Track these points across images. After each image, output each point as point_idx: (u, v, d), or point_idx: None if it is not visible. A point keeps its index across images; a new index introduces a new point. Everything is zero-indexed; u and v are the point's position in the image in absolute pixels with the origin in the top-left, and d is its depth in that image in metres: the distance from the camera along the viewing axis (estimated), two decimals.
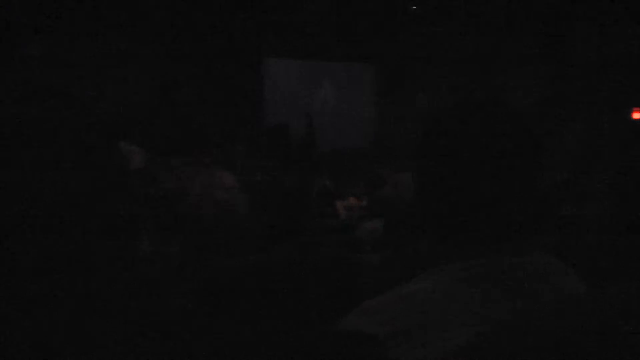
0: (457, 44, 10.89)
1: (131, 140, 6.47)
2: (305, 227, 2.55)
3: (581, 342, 0.79)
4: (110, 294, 1.17)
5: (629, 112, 9.38)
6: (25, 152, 1.03)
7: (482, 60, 10.76)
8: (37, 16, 7.40)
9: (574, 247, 2.06)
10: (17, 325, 0.97)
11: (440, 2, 10.57)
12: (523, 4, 9.64)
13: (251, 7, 9.51)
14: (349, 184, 5.78)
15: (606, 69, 9.31)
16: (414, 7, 11.02)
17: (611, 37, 9.38)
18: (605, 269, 1.84)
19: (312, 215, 2.47)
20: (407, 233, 2.54)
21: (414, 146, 1.16)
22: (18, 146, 0.99)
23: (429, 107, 10.61)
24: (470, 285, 1.03)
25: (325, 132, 10.68)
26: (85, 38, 8.05)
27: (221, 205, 2.20)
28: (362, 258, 2.55)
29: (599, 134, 9.20)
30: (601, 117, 9.39)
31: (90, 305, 1.11)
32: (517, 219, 1.06)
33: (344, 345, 1.01)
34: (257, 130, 10.16)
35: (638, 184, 1.87)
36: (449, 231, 1.09)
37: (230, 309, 1.92)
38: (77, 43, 7.96)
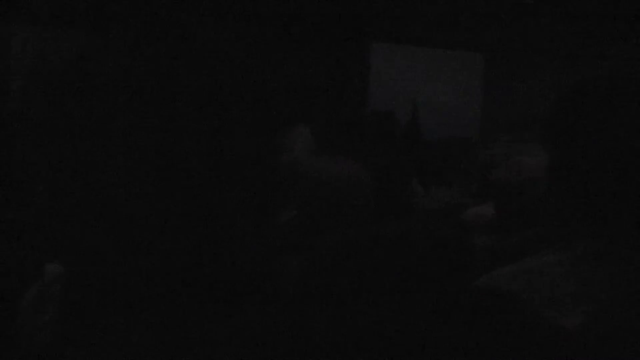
0: (568, 36, 10.64)
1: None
2: (406, 210, 2.56)
3: None
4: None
5: None
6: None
7: (594, 53, 10.48)
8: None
9: None
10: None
11: None
12: None
13: None
14: (457, 170, 5.74)
15: None
16: None
17: None
18: None
19: (412, 199, 2.47)
20: (522, 216, 2.52)
21: (544, 128, 1.13)
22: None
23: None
24: (592, 265, 1.02)
25: (431, 120, 10.62)
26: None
27: (342, 178, 2.23)
28: (472, 239, 2.53)
29: None
30: None
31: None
32: None
33: (484, 300, 1.01)
34: (362, 116, 10.19)
35: None
36: (579, 213, 1.07)
37: (347, 278, 1.95)
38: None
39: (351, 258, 2.07)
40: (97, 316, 1.34)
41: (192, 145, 1.05)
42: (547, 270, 1.04)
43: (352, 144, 8.13)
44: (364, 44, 10.43)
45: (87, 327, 1.38)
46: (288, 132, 7.46)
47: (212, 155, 1.01)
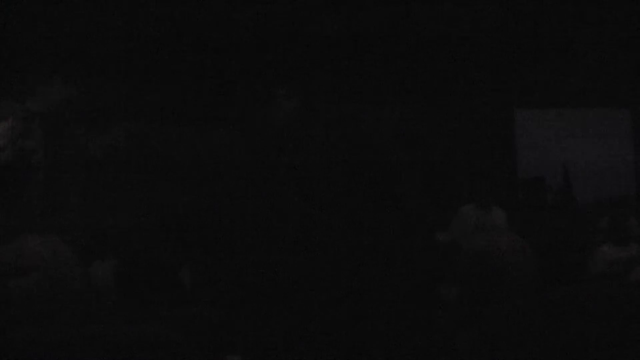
0: None
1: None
2: (572, 276, 2.50)
3: None
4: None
5: None
6: None
7: None
8: None
9: None
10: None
11: None
12: None
13: (503, 60, 9.52)
14: (619, 230, 5.55)
15: None
16: None
17: None
18: None
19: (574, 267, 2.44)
20: None
21: None
22: None
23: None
24: None
25: (583, 183, 10.31)
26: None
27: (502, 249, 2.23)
28: None
29: None
30: None
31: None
32: None
33: None
34: (513, 183, 10.04)
35: None
36: None
37: (521, 346, 1.94)
38: None
39: (523, 326, 2.05)
40: None
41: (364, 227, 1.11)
42: None
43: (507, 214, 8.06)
44: (508, 112, 10.33)
45: None
46: (456, 212, 7.61)
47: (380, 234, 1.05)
